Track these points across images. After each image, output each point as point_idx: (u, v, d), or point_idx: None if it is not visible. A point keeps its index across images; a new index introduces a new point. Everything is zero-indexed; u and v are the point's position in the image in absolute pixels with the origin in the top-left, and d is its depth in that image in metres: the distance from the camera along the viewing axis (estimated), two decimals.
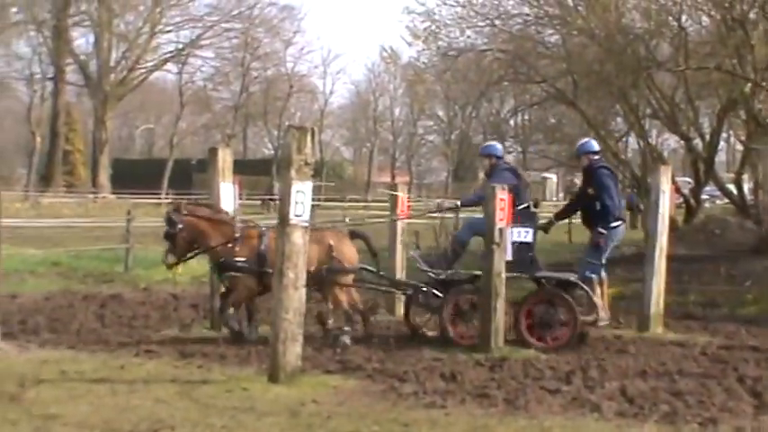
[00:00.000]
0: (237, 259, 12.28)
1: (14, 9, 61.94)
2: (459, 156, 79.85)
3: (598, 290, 13.03)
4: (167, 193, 56.36)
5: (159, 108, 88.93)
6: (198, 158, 74.43)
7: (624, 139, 31.33)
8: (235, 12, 69.28)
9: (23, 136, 74.23)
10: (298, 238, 9.69)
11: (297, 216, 9.68)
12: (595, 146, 13.99)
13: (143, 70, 68.70)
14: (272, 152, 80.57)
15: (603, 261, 13.20)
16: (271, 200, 54.81)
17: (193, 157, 78.66)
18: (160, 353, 11.27)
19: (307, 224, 9.84)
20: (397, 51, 76.18)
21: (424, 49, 28.66)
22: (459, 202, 14.05)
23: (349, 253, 12.56)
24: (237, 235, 12.37)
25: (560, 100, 26.87)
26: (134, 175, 69.01)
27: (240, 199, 14.84)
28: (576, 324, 12.37)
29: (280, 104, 79.21)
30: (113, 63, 66.19)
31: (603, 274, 13.29)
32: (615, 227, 13.26)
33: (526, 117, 53.78)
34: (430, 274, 12.87)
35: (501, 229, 12.06)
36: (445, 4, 26.09)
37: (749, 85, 21.75)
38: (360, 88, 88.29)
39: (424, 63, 32.50)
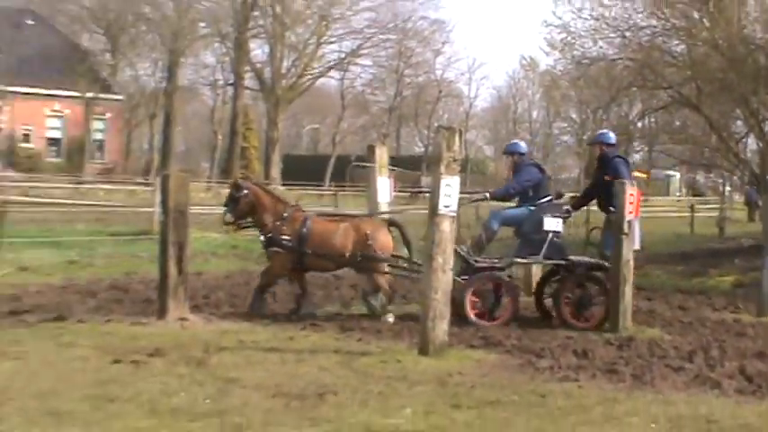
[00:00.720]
0: (283, 237, 12.39)
1: (202, 24, 63.63)
2: (590, 154, 78.81)
3: None
4: (330, 185, 56.95)
5: (323, 110, 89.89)
6: (357, 155, 75.08)
7: (744, 140, 30.34)
8: (391, 25, 69.56)
9: (207, 135, 76.03)
10: (446, 226, 9.67)
11: (445, 207, 9.67)
12: (612, 138, 13.50)
13: (310, 77, 69.56)
14: (422, 150, 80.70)
15: None
16: (419, 192, 54.92)
17: (353, 154, 79.32)
18: (323, 327, 11.39)
19: (454, 214, 9.81)
20: (535, 60, 75.59)
21: (560, 59, 28.38)
22: (488, 194, 13.31)
23: (384, 240, 12.32)
24: (285, 215, 12.51)
25: (685, 104, 26.15)
26: (301, 170, 69.82)
27: (394, 191, 14.92)
28: (607, 303, 12.04)
29: (429, 107, 79.36)
30: (284, 70, 67.19)
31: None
32: None
33: (653, 120, 52.63)
34: (470, 260, 12.30)
35: (630, 222, 11.88)
36: (580, 17, 25.77)
37: None
38: (501, 93, 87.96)
39: (559, 71, 32.17)
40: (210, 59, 67.95)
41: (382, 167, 13.64)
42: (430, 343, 9.56)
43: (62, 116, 64.45)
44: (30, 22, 61.45)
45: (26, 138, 63.31)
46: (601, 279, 12.26)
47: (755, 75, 22.01)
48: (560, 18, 26.37)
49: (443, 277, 9.62)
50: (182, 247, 11.25)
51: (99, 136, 66.20)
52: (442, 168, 9.74)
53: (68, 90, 60.65)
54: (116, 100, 64.77)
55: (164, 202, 11.44)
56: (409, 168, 65.76)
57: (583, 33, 25.97)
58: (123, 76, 67.05)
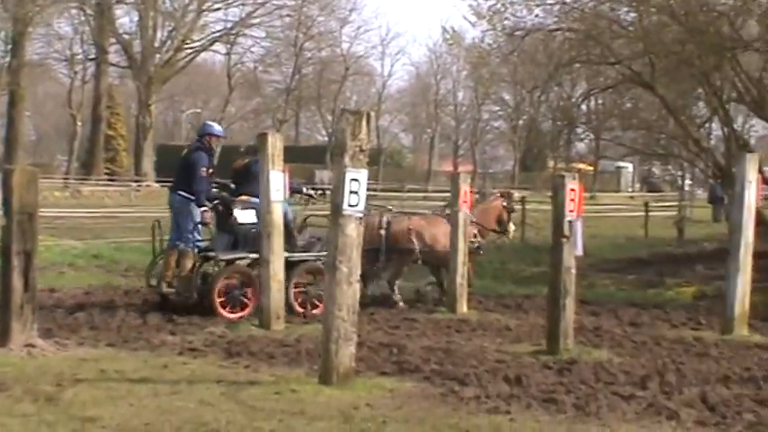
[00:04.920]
0: None
1: None
2: (526, 143, 79.63)
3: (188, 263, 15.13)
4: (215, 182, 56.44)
5: (206, 91, 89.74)
6: (247, 144, 74.81)
7: (707, 125, 30.93)
8: None
9: (64, 120, 75.09)
10: (352, 230, 9.66)
11: (351, 206, 9.65)
12: (214, 129, 16.57)
13: (189, 51, 69.08)
14: (326, 139, 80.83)
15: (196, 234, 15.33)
16: (314, 189, 54.88)
17: (243, 144, 79.00)
18: (205, 352, 11.33)
19: (361, 215, 9.81)
20: (459, 32, 76.06)
21: (488, 30, 28.58)
22: None
23: None
24: None
25: (636, 83, 26.59)
26: None
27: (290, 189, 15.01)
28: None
29: (334, 88, 79.50)
30: (158, 43, 66.69)
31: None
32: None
33: (600, 101, 53.46)
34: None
35: (570, 222, 12.01)
36: None
37: None
38: (420, 71, 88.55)
39: (488, 44, 32.33)
40: (66, 29, 67.16)
41: (276, 159, 13.59)
42: (333, 370, 9.54)
43: None
44: None
45: None
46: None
47: (718, 47, 22.46)
48: None
49: (349, 290, 9.59)
50: (29, 258, 11.08)
51: None
52: (347, 160, 9.72)
53: None
54: None
55: (6, 203, 11.25)
56: (311, 161, 65.78)
57: None
58: None
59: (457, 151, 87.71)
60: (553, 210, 12.32)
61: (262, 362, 10.79)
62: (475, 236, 16.78)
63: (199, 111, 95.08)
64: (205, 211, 15.17)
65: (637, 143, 34.65)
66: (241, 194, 15.57)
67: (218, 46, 71.65)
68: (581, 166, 67.83)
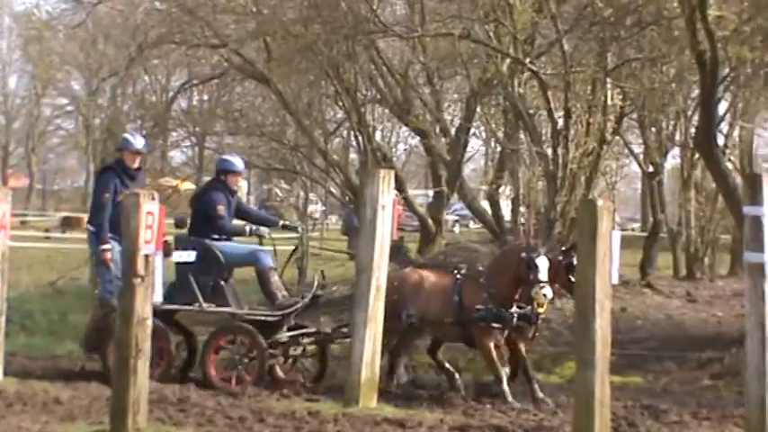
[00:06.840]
0: None
1: None
2: (104, 151, 78.51)
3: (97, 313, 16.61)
4: None
5: None
6: None
7: (340, 131, 31.66)
8: None
9: None
10: None
11: None
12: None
13: None
14: None
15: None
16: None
17: None
18: None
19: None
20: None
21: None
22: None
23: None
24: None
25: (247, 74, 26.97)
26: None
27: None
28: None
29: None
30: None
31: None
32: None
33: (205, 97, 53.75)
34: None
35: (147, 256, 12.03)
36: None
37: (508, 61, 22.35)
38: None
39: (47, 12, 32.19)
40: None
41: None
42: None
43: None
44: None
45: None
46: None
47: (352, 30, 23.01)
48: None
49: None
50: None
51: None
52: None
53: None
54: None
55: None
56: None
57: None
58: None
59: (7, 159, 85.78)
60: (125, 241, 12.31)
61: None
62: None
63: None
64: (105, 249, 16.14)
65: (254, 153, 35.01)
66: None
67: None
68: (176, 182, 67.65)
